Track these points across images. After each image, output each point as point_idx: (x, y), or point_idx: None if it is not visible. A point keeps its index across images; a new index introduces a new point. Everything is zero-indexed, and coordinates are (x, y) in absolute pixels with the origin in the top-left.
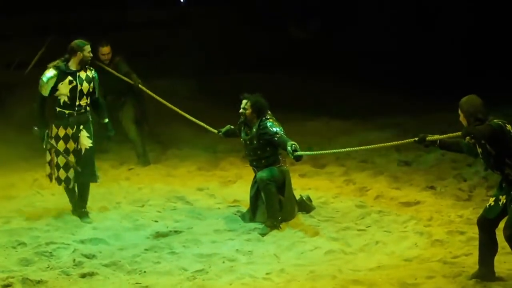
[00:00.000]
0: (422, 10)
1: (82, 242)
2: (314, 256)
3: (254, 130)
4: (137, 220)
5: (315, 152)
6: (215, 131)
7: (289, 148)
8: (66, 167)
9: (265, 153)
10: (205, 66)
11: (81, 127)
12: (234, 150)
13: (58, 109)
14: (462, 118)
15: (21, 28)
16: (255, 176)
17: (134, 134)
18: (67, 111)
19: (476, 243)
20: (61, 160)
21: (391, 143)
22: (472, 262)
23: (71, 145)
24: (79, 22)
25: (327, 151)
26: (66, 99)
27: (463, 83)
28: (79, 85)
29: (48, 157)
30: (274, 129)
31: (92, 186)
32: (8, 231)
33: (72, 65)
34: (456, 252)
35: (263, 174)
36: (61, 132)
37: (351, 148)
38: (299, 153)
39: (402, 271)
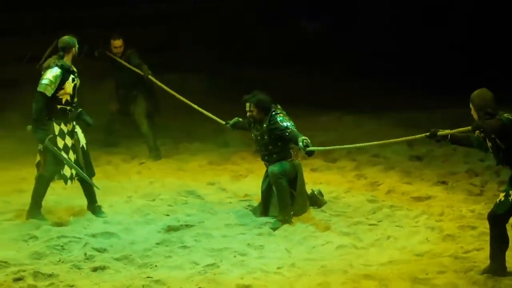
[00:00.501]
0: (426, 9)
1: (93, 236)
2: (325, 250)
3: (265, 125)
4: (148, 214)
5: (327, 148)
6: (223, 122)
7: (300, 143)
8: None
9: (276, 148)
10: (217, 61)
11: (74, 123)
12: (246, 144)
13: (59, 106)
14: (473, 112)
15: (29, 24)
16: (266, 171)
17: (146, 128)
18: (68, 107)
19: (488, 238)
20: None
21: (403, 138)
22: (483, 257)
23: (69, 141)
24: (87, 18)
25: (339, 146)
26: (68, 98)
27: (468, 81)
28: (77, 82)
29: (38, 158)
30: (285, 124)
31: (103, 180)
32: (19, 225)
33: (67, 62)
34: (468, 247)
35: (274, 168)
36: (64, 129)
37: (363, 144)
38: (310, 148)
39: (414, 266)
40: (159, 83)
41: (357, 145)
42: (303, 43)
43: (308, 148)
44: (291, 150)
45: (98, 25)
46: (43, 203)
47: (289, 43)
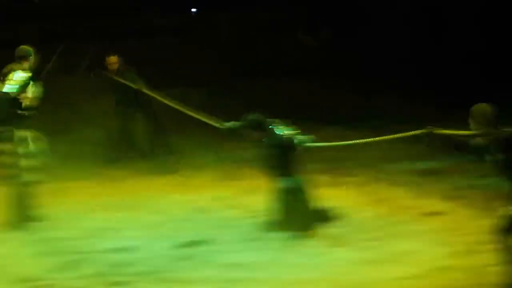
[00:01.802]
0: (433, 19)
1: (105, 252)
2: (335, 267)
3: (265, 140)
4: (155, 231)
5: (325, 144)
6: (217, 124)
7: (296, 141)
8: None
9: (278, 162)
10: (216, 74)
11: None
12: (253, 160)
13: (19, 111)
14: (472, 126)
15: (31, 36)
16: (274, 186)
17: (141, 140)
18: (26, 113)
19: (498, 253)
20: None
21: (400, 134)
22: (493, 272)
23: (28, 147)
24: (89, 29)
25: (336, 143)
26: (28, 102)
27: (479, 91)
28: (36, 88)
29: None
30: (281, 132)
31: (109, 196)
32: (36, 240)
33: (27, 69)
34: (477, 262)
35: (280, 184)
36: (22, 134)
37: (361, 140)
38: (308, 144)
39: (423, 282)
40: (151, 93)
41: (354, 141)
42: (304, 55)
43: (305, 144)
44: (296, 164)
45: (99, 36)
46: (59, 217)
47: (289, 55)
